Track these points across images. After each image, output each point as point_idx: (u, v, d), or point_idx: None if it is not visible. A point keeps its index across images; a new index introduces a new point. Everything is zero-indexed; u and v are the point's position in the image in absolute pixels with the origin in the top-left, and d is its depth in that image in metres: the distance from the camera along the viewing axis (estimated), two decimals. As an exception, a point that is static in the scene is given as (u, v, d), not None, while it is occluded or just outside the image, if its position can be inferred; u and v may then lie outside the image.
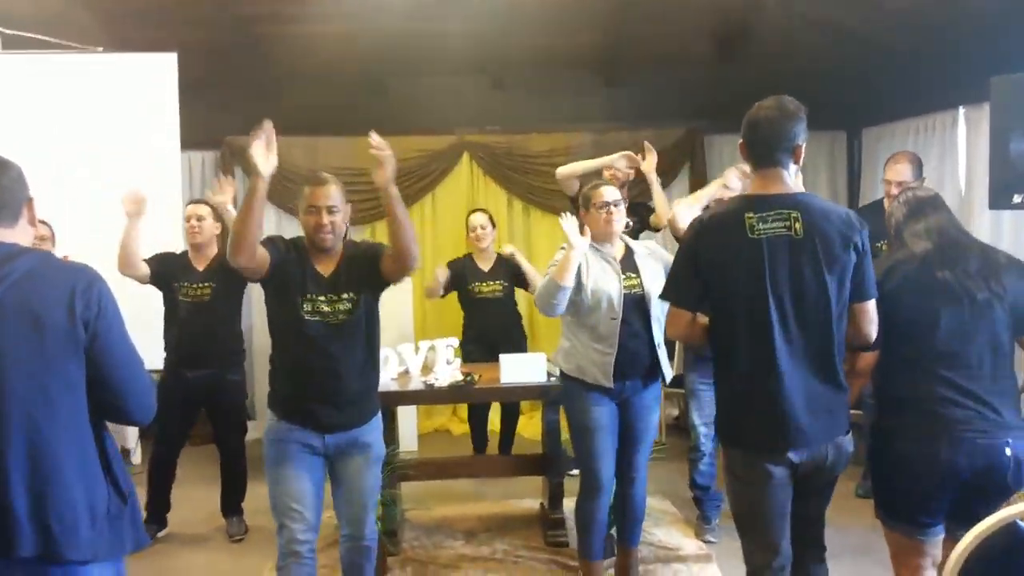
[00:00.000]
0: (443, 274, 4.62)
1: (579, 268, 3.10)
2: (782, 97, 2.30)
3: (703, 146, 6.20)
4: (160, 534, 4.07)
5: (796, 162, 2.30)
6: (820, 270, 2.21)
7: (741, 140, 2.34)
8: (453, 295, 4.77)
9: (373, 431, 2.85)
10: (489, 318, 4.67)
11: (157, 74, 4.78)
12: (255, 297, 5.00)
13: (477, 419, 5.00)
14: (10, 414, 1.70)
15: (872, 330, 2.34)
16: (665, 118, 6.09)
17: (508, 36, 5.64)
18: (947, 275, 2.38)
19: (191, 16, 5.28)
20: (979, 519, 1.76)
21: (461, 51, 5.91)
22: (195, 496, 4.34)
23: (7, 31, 4.75)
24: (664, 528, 4.01)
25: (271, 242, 2.74)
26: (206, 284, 3.99)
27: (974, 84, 4.40)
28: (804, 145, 2.29)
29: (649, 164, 4.26)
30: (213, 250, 4.08)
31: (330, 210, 2.69)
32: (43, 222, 3.86)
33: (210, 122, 5.55)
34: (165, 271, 3.98)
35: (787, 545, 2.32)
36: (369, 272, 2.75)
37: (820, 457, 2.26)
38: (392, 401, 3.86)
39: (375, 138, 2.61)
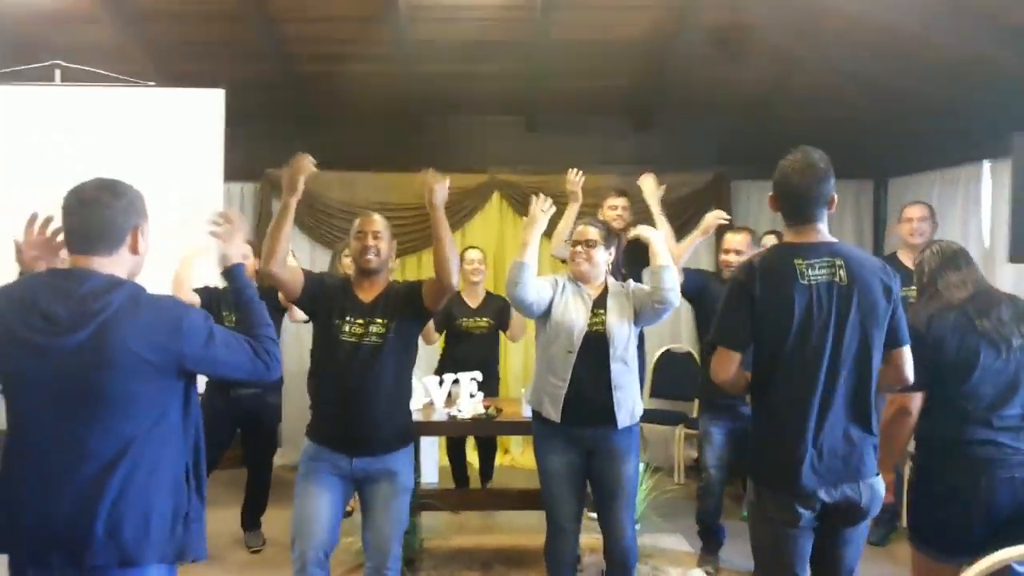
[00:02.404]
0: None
1: (552, 297, 3.14)
2: (810, 154, 2.39)
3: (730, 191, 6.29)
4: None
5: (830, 210, 2.41)
6: (862, 316, 2.31)
7: (772, 194, 2.44)
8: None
9: (402, 461, 2.95)
10: (469, 351, 4.78)
11: (205, 109, 4.99)
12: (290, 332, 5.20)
13: (456, 453, 5.15)
14: (77, 438, 1.83)
15: (911, 373, 2.44)
16: (693, 163, 6.20)
17: (542, 79, 5.82)
18: (985, 323, 2.55)
19: (239, 52, 5.52)
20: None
21: (496, 93, 6.11)
22: (215, 517, 4.46)
23: (67, 64, 5.01)
24: (680, 568, 4.05)
25: (317, 275, 3.02)
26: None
27: (999, 139, 4.48)
28: (835, 193, 2.40)
29: (649, 188, 4.33)
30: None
31: (375, 235, 2.95)
32: None
33: (251, 154, 5.76)
34: (211, 300, 4.15)
35: None
36: (408, 301, 2.92)
37: (854, 497, 2.32)
38: (416, 431, 3.97)
39: (432, 171, 2.91)
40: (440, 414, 4.00)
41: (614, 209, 4.41)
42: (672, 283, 3.09)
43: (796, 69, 5.50)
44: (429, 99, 6.11)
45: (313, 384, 3.04)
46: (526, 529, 4.50)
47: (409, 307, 2.92)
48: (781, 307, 2.32)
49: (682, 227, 6.15)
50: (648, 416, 5.56)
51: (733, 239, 4.05)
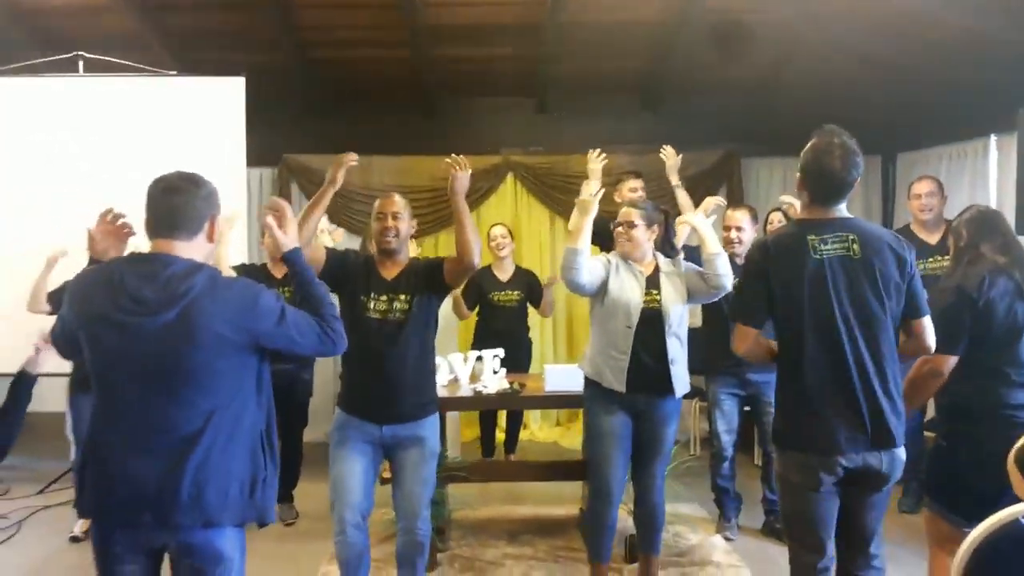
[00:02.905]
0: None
1: (608, 275, 3.28)
2: (844, 137, 2.44)
3: (740, 168, 6.38)
4: None
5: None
6: (877, 287, 2.40)
7: (800, 175, 2.50)
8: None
9: (429, 427, 3.09)
10: (502, 324, 5.00)
11: (226, 96, 5.10)
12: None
13: (487, 424, 5.36)
14: (161, 411, 1.98)
15: (932, 342, 2.52)
16: (703, 141, 6.27)
17: (553, 62, 5.90)
18: None
19: (257, 41, 5.63)
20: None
21: (507, 75, 6.20)
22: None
23: (88, 55, 5.11)
24: (699, 535, 4.19)
25: (340, 253, 3.12)
26: (285, 289, 4.28)
27: (1005, 114, 4.58)
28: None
29: (671, 162, 4.53)
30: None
31: (395, 215, 3.06)
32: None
33: (268, 140, 5.85)
34: (251, 277, 4.28)
35: (831, 546, 2.51)
36: (429, 277, 3.03)
37: (876, 464, 2.41)
38: (443, 406, 4.11)
39: (456, 158, 3.01)
40: (465, 390, 4.12)
41: (634, 191, 4.52)
42: (725, 269, 3.26)
43: (799, 48, 5.57)
44: (442, 83, 6.21)
45: (343, 358, 3.16)
46: (551, 500, 4.65)
47: (431, 284, 3.04)
48: (795, 283, 2.42)
49: (693, 203, 6.28)
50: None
51: (733, 216, 4.16)
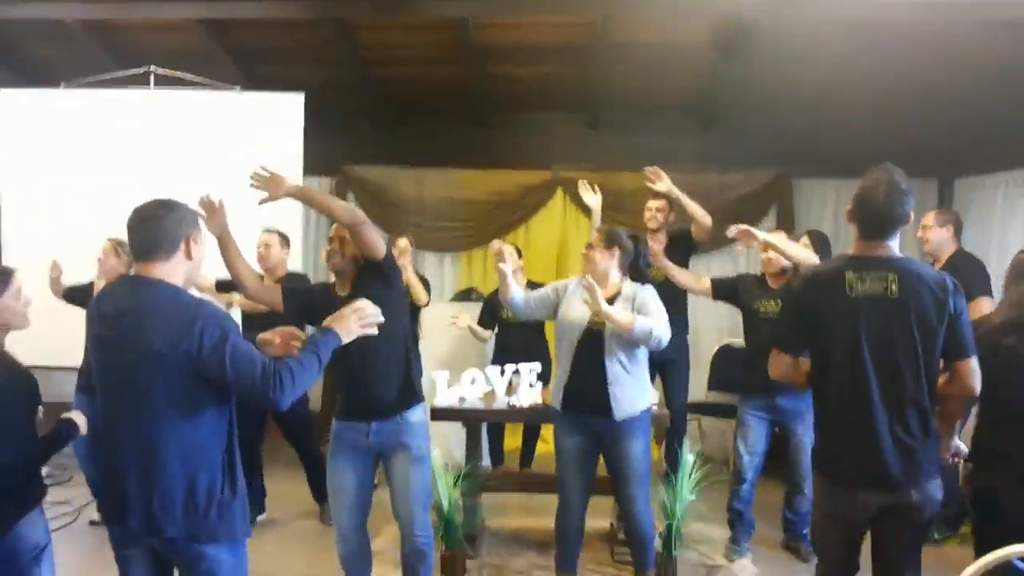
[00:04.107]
0: (465, 322, 4.96)
1: (559, 300, 3.49)
2: (892, 174, 2.48)
3: (791, 190, 6.36)
4: (260, 518, 4.60)
5: (905, 225, 2.50)
6: (911, 329, 2.42)
7: (850, 208, 2.55)
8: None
9: (413, 432, 3.18)
10: (518, 342, 5.01)
11: (286, 111, 5.33)
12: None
13: (495, 434, 5.38)
14: (129, 422, 2.14)
15: (977, 384, 2.49)
16: (755, 161, 6.29)
17: (604, 80, 5.98)
18: None
19: (319, 56, 5.85)
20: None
21: (559, 92, 6.30)
22: (295, 487, 4.84)
23: (159, 70, 5.40)
24: (722, 554, 4.21)
25: (298, 290, 3.52)
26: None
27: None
28: (911, 210, 2.50)
29: (664, 184, 4.58)
30: (277, 275, 4.49)
31: (341, 240, 3.12)
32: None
33: (326, 151, 6.06)
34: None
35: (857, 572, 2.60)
36: (365, 274, 3.10)
37: (904, 501, 2.44)
38: (477, 418, 4.24)
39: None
40: (500, 402, 4.22)
41: (648, 210, 4.63)
42: (642, 336, 3.26)
43: (853, 70, 5.53)
44: (495, 99, 6.34)
45: (328, 372, 3.35)
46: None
47: (367, 277, 3.09)
48: (827, 318, 2.48)
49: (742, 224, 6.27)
50: (704, 409, 5.75)
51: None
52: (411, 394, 3.22)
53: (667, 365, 4.87)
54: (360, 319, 2.43)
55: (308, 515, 4.72)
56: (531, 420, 4.83)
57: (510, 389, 4.35)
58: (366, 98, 6.31)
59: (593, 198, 4.87)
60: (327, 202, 3.06)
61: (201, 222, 2.36)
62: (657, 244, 4.00)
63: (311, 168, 5.63)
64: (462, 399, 4.14)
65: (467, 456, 4.28)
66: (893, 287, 2.43)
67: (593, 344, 3.36)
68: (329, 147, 6.09)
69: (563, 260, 6.41)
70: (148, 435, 2.12)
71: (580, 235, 6.42)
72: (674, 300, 4.11)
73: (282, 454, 4.99)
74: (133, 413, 2.13)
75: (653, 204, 4.73)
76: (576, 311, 3.40)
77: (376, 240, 3.02)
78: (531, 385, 4.32)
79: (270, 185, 3.03)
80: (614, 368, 3.34)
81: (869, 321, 2.42)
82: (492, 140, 6.53)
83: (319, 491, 4.63)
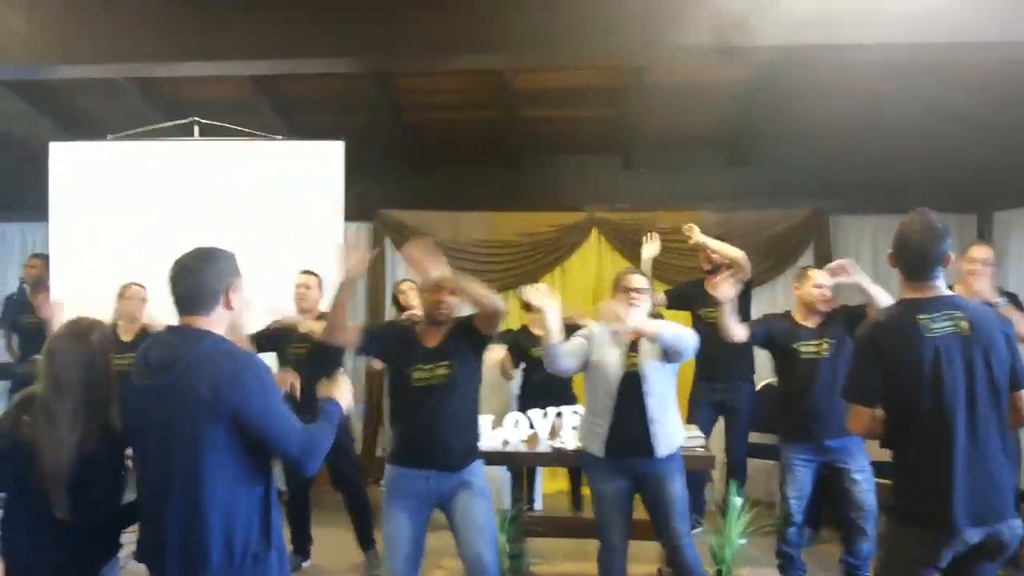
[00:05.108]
0: (499, 357, 4.95)
1: (590, 349, 3.49)
2: (928, 216, 2.56)
3: (828, 226, 6.32)
4: (304, 564, 4.61)
5: (946, 267, 2.57)
6: (988, 362, 2.47)
7: (891, 252, 2.61)
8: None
9: (474, 472, 3.28)
10: (546, 382, 4.88)
11: (326, 158, 5.43)
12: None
13: (575, 479, 5.37)
14: (170, 471, 2.16)
15: None
16: (791, 198, 6.26)
17: (638, 119, 6.03)
18: None
19: (355, 104, 5.97)
20: None
21: (592, 133, 6.35)
22: (339, 535, 4.81)
23: (203, 120, 5.53)
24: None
25: (379, 330, 3.59)
26: (307, 345, 4.46)
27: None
28: (951, 252, 2.56)
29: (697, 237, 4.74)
30: (315, 315, 4.53)
31: (451, 291, 3.28)
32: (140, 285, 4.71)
33: (363, 196, 6.14)
34: (273, 336, 4.54)
35: None
36: (466, 337, 3.27)
37: (994, 536, 2.44)
38: (521, 461, 4.23)
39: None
40: (544, 445, 4.21)
41: (702, 252, 4.92)
42: (673, 339, 3.37)
43: (889, 104, 5.53)
44: (530, 141, 6.40)
45: (393, 417, 3.41)
46: (629, 558, 4.65)
47: (468, 343, 3.27)
48: (911, 361, 2.48)
49: (779, 262, 6.26)
50: (749, 450, 5.66)
51: (816, 274, 4.10)
52: (476, 447, 3.33)
53: (731, 411, 4.85)
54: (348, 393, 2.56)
55: (353, 565, 4.68)
56: (567, 463, 4.81)
57: (553, 432, 4.36)
58: (401, 143, 6.40)
59: (651, 249, 4.91)
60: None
61: None
62: (727, 286, 3.88)
63: (348, 213, 5.71)
64: (506, 442, 4.13)
65: (513, 499, 4.26)
66: (962, 324, 2.49)
67: (632, 386, 3.44)
68: (365, 191, 6.16)
69: (599, 301, 6.38)
70: (189, 484, 2.14)
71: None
72: (740, 345, 4.08)
73: (328, 500, 4.97)
74: (175, 461, 2.16)
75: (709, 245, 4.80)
76: (611, 356, 3.48)
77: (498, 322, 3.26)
78: (574, 427, 4.31)
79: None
80: (654, 406, 3.43)
81: (949, 359, 2.46)
82: (527, 182, 6.59)
83: (366, 539, 4.61)
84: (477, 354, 3.31)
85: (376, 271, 6.51)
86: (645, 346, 3.46)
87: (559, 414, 4.35)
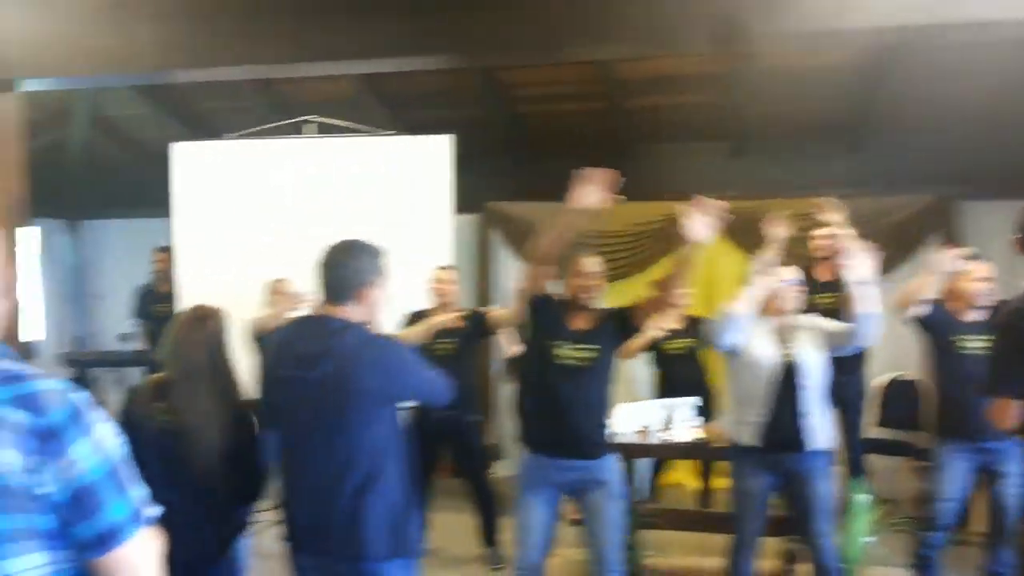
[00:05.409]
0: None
1: (741, 334, 3.36)
2: None
3: (956, 213, 6.00)
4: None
5: None
6: None
7: (1019, 237, 2.49)
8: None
9: (608, 469, 3.25)
10: (679, 373, 4.93)
11: (435, 152, 5.48)
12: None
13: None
14: (326, 454, 2.27)
15: None
16: (913, 184, 5.98)
17: (749, 105, 5.87)
18: None
19: (462, 97, 6.02)
20: None
21: (701, 121, 6.22)
22: (462, 523, 4.85)
23: (316, 119, 5.67)
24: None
25: (543, 297, 3.34)
26: (450, 341, 4.50)
27: None
28: None
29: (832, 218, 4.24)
30: (454, 307, 4.56)
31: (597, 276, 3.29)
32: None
33: (469, 189, 6.18)
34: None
35: None
36: (621, 326, 3.24)
37: None
38: (633, 453, 4.18)
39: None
40: (656, 437, 4.16)
41: (815, 238, 4.79)
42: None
43: (1020, 84, 5.21)
44: (636, 131, 6.32)
45: (525, 396, 3.36)
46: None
47: (618, 333, 3.25)
48: None
49: (900, 251, 5.98)
50: (874, 446, 5.45)
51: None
52: (607, 442, 3.31)
53: (846, 404, 4.70)
54: None
55: (475, 555, 4.69)
56: (701, 455, 4.73)
57: (667, 424, 4.30)
58: (509, 135, 6.42)
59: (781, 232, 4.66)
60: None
61: None
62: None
63: (455, 206, 5.76)
64: (618, 433, 4.10)
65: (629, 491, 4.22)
66: None
67: (788, 379, 3.34)
68: (472, 184, 6.19)
69: (709, 290, 6.27)
70: (346, 466, 2.25)
71: (730, 263, 6.28)
72: None
73: (448, 486, 4.98)
74: (331, 445, 2.26)
75: (822, 232, 4.58)
76: (768, 347, 3.38)
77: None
78: (687, 420, 4.25)
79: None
80: (807, 401, 3.34)
81: None
82: (634, 171, 6.44)
83: (490, 534, 4.63)
84: (625, 337, 3.29)
85: (483, 264, 6.56)
86: (802, 335, 3.39)
87: (673, 406, 4.28)
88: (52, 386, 1.29)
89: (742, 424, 3.43)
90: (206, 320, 2.62)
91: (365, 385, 2.24)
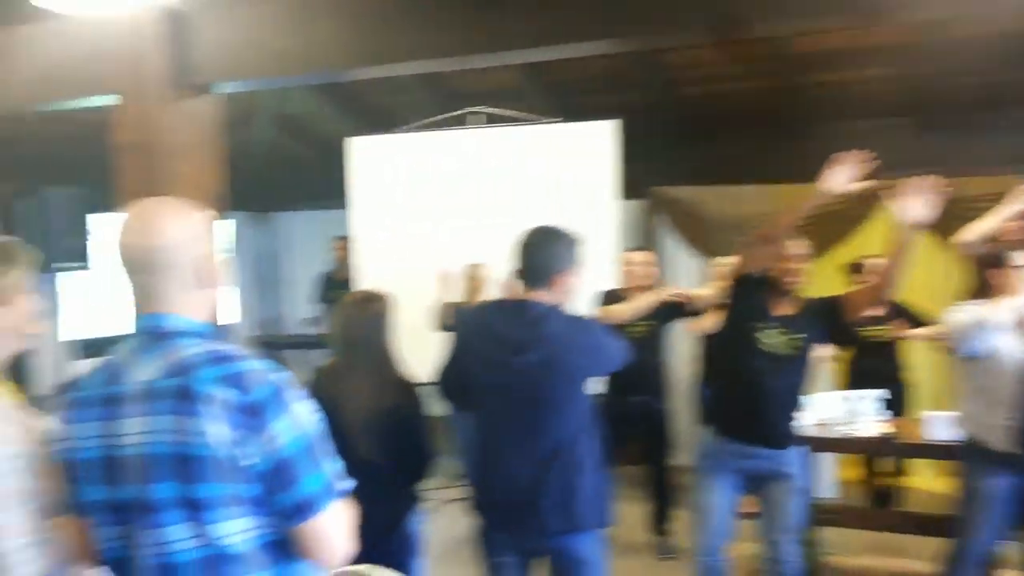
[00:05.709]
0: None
1: (985, 328, 3.06)
2: None
3: None
4: None
5: None
6: None
7: None
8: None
9: (795, 462, 3.17)
10: (875, 364, 4.65)
11: (600, 138, 5.47)
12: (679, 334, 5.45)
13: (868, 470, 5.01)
14: (532, 435, 2.37)
15: None
16: None
17: (937, 78, 5.48)
18: None
19: (625, 82, 5.96)
20: None
21: (880, 96, 5.86)
22: (632, 511, 4.85)
23: (488, 110, 5.78)
24: None
25: (753, 277, 3.22)
26: (645, 323, 4.46)
27: None
28: None
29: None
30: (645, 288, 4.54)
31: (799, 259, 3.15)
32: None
33: (634, 173, 6.11)
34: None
35: None
36: (827, 317, 3.10)
37: None
38: (813, 446, 4.02)
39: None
40: (838, 431, 3.99)
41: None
42: None
43: None
44: (809, 108, 6.03)
45: (716, 379, 3.31)
46: (932, 556, 4.30)
47: (826, 323, 3.10)
48: None
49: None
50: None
51: None
52: (795, 434, 3.23)
53: None
54: None
55: (640, 544, 4.68)
56: (891, 452, 4.50)
57: (848, 417, 4.12)
58: (674, 118, 6.30)
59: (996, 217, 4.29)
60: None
61: None
62: None
63: (621, 191, 5.71)
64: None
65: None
66: None
67: None
68: (637, 169, 6.12)
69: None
70: (553, 445, 2.37)
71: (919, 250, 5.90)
72: None
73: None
74: (537, 425, 2.35)
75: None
76: (1010, 341, 3.11)
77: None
78: (872, 414, 4.05)
79: None
80: None
81: None
82: (808, 152, 6.11)
83: (660, 520, 4.61)
84: (827, 327, 3.14)
85: (649, 250, 6.47)
86: None
87: (857, 398, 4.10)
88: (256, 366, 1.42)
89: (989, 427, 3.16)
90: (370, 303, 2.73)
91: (574, 366, 2.35)
